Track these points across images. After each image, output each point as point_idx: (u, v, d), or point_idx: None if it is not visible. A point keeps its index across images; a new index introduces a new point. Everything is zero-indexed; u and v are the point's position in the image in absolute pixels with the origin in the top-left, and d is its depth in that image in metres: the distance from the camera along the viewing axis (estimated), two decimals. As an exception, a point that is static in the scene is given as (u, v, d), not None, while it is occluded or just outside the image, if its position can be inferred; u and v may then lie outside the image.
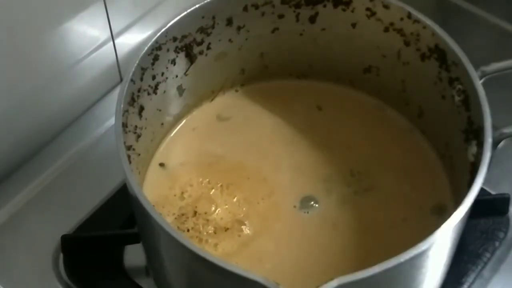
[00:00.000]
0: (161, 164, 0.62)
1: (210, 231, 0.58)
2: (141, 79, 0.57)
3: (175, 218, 0.58)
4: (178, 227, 0.58)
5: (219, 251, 0.56)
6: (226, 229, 0.58)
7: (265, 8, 0.62)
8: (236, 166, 0.62)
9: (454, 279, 0.59)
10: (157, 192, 0.60)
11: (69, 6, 0.65)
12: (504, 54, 0.58)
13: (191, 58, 0.62)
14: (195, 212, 0.59)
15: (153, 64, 0.58)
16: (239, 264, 0.54)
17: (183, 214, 0.59)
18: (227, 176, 0.61)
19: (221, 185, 0.60)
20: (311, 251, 0.56)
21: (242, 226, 0.58)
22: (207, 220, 0.58)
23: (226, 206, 0.59)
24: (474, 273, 0.60)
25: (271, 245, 0.57)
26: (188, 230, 0.57)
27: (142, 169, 0.60)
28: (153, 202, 0.58)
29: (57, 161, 0.69)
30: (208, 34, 0.61)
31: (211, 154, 0.63)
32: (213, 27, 0.61)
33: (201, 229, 0.58)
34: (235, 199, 0.60)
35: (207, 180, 0.61)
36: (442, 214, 0.58)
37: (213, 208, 0.59)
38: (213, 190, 0.60)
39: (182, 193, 0.60)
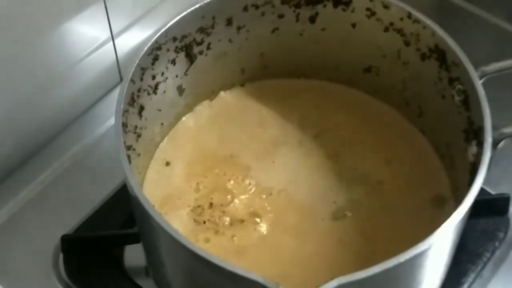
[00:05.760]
0: (168, 163, 0.62)
1: (226, 223, 0.58)
2: (141, 79, 0.57)
3: (191, 210, 0.58)
4: (194, 219, 0.58)
5: (236, 243, 0.56)
6: (242, 221, 0.58)
7: (265, 8, 0.62)
8: (242, 166, 0.62)
9: (454, 279, 0.59)
10: (165, 187, 0.59)
11: (69, 6, 0.65)
12: (504, 54, 0.58)
13: (191, 58, 0.62)
14: (211, 204, 0.59)
15: (153, 64, 0.58)
16: (255, 257, 0.55)
17: (199, 206, 0.59)
18: (236, 170, 0.61)
19: (237, 177, 0.61)
20: (318, 249, 0.56)
21: (257, 219, 0.58)
22: (223, 212, 0.58)
23: (243, 197, 0.59)
24: (474, 273, 0.60)
25: (286, 239, 0.57)
26: (204, 222, 0.58)
27: (143, 168, 0.60)
28: (165, 195, 0.59)
29: (57, 161, 0.69)
30: (208, 34, 0.61)
31: (214, 153, 0.63)
32: (213, 27, 0.61)
33: (217, 221, 0.58)
34: (251, 191, 0.60)
35: (223, 172, 0.61)
36: (442, 214, 0.58)
37: (230, 198, 0.59)
38: (230, 182, 0.60)
39: (198, 184, 0.60)
